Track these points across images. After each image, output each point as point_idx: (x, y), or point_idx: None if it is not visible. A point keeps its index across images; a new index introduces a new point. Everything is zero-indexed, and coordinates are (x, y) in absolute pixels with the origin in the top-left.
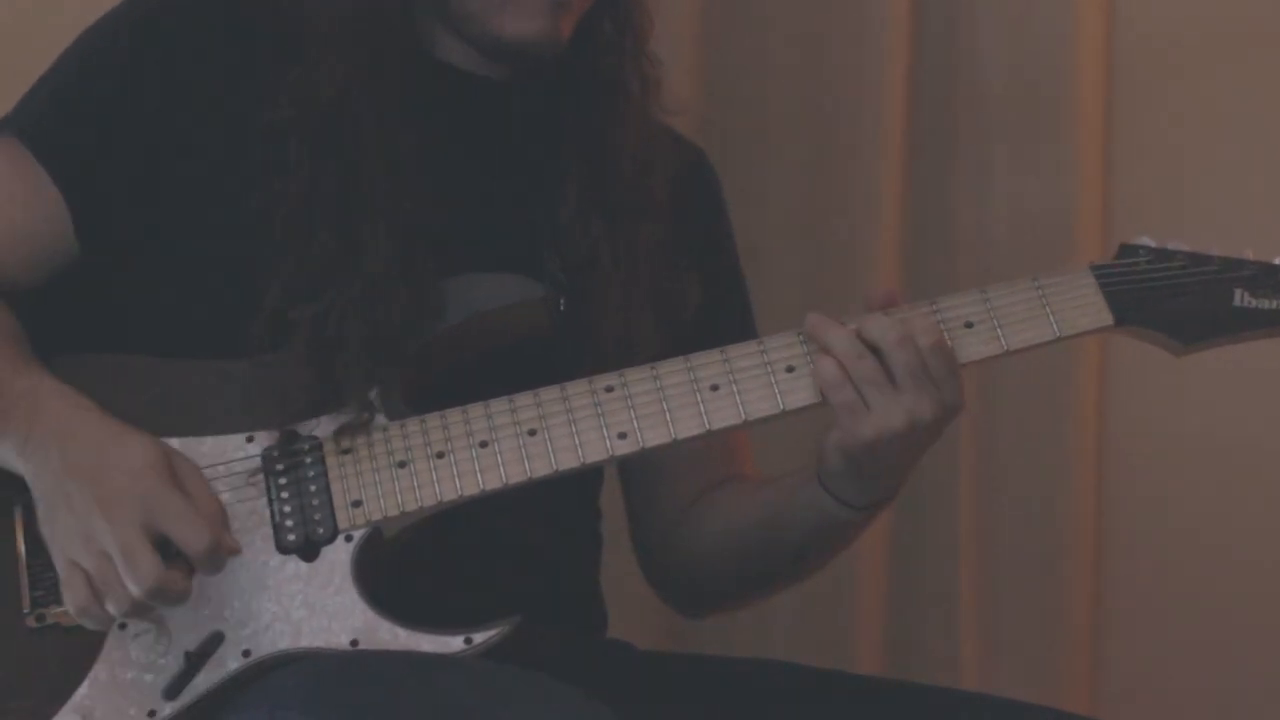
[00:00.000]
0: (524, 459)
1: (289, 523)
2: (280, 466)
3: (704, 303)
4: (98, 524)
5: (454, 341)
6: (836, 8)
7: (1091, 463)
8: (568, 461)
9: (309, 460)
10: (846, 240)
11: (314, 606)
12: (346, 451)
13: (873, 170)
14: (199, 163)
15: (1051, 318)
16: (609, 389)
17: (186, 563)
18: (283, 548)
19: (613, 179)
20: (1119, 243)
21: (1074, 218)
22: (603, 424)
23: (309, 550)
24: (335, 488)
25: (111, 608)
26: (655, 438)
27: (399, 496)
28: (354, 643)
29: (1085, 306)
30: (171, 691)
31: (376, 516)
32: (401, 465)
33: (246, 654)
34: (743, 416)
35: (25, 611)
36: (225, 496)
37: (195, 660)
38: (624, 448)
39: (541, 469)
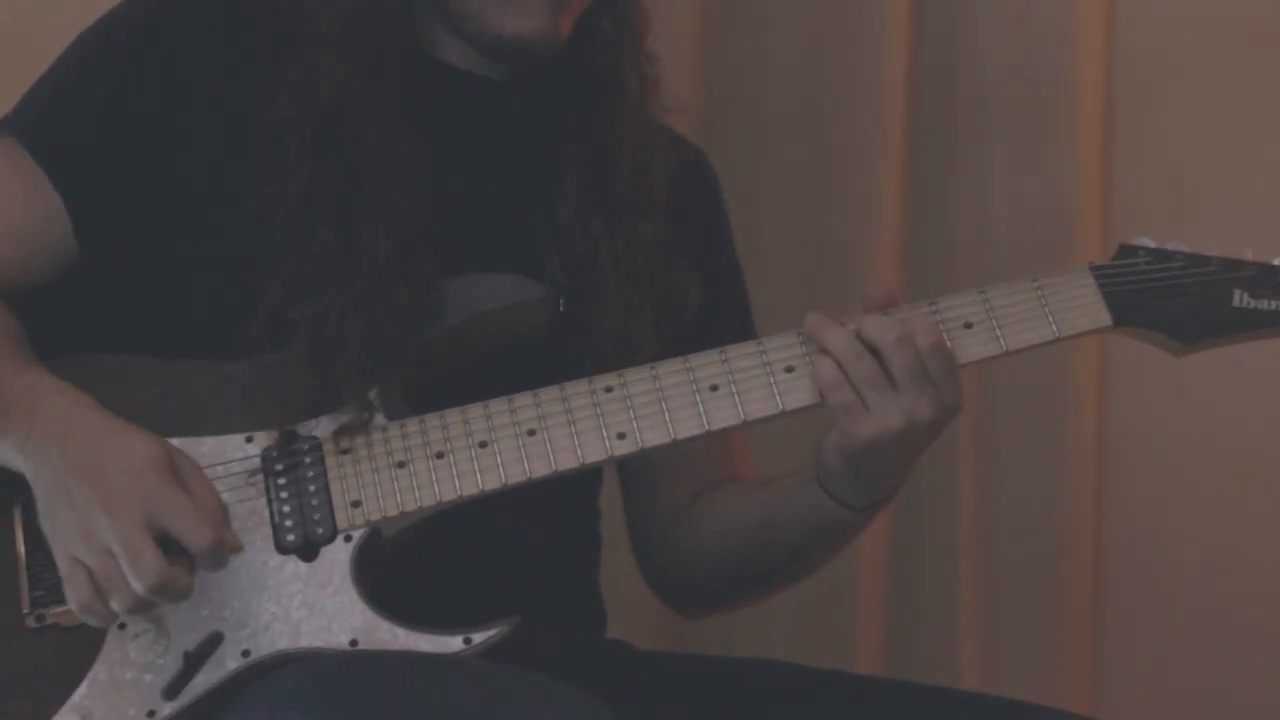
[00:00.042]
0: (523, 459)
1: (288, 523)
2: (279, 467)
3: (703, 303)
4: (99, 521)
5: (453, 342)
6: (836, 8)
7: (1091, 463)
8: (567, 462)
9: (308, 460)
10: (846, 240)
11: (313, 606)
12: (346, 452)
13: (873, 170)
14: (199, 162)
15: (1050, 318)
16: (608, 389)
17: (188, 559)
18: (282, 548)
19: (612, 178)
20: (1118, 243)
21: (1074, 218)
22: (602, 424)
23: (308, 550)
24: (335, 488)
25: (115, 604)
26: (654, 438)
27: (398, 497)
28: (353, 643)
29: (1084, 307)
30: (171, 691)
31: (376, 517)
32: (401, 465)
33: (246, 654)
34: (742, 417)
35: (25, 612)
36: (225, 497)
37: (194, 660)
38: (623, 448)
39: (541, 469)
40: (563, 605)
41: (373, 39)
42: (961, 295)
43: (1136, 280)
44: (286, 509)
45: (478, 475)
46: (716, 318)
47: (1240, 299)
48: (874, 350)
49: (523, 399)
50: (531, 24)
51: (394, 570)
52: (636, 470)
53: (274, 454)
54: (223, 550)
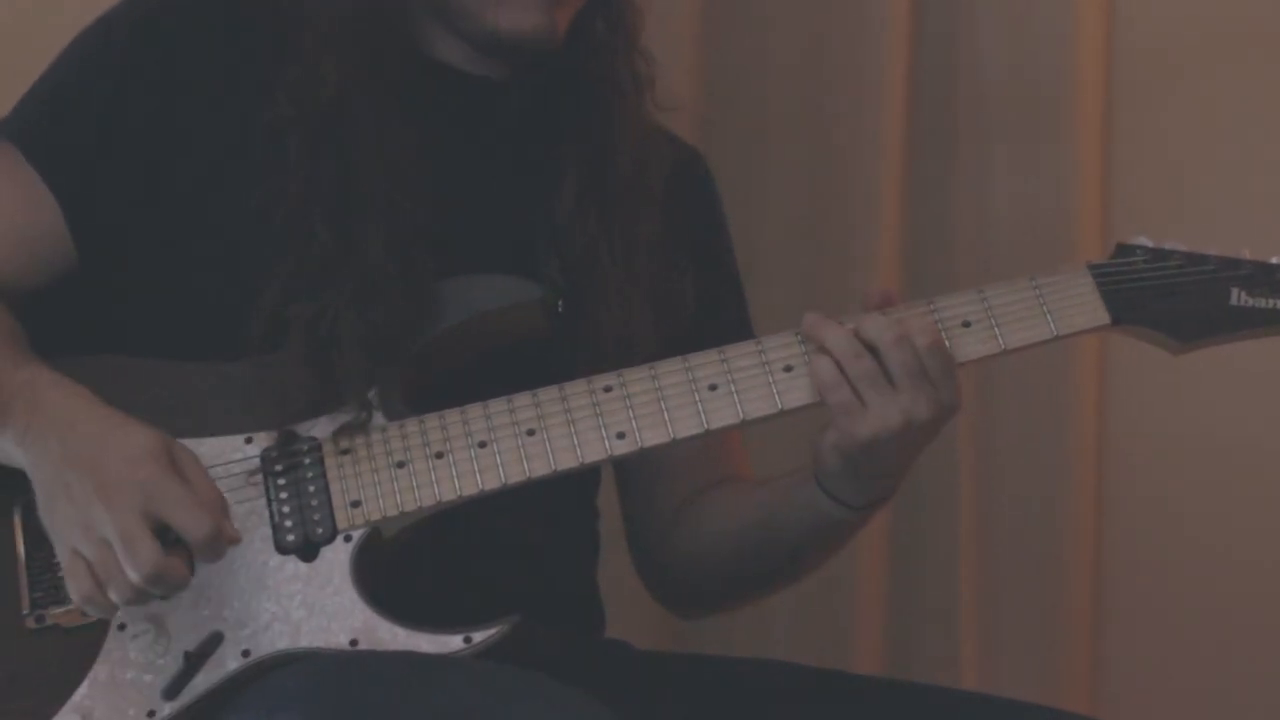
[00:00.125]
0: (522, 459)
1: (288, 523)
2: (279, 467)
3: (701, 302)
4: (97, 512)
5: (452, 342)
6: (836, 8)
7: (1091, 462)
8: (566, 461)
9: (308, 461)
10: (846, 240)
11: (313, 606)
12: (345, 452)
13: (873, 170)
14: (198, 162)
15: (1049, 317)
16: (607, 389)
17: (186, 551)
18: (282, 548)
19: (610, 177)
20: (1116, 242)
21: (1074, 218)
22: (601, 424)
23: (308, 550)
24: (334, 488)
25: (113, 595)
26: (654, 437)
27: (398, 497)
28: (353, 642)
29: (1082, 306)
30: (171, 692)
31: (375, 517)
32: (400, 465)
33: (246, 654)
34: (741, 416)
35: (25, 613)
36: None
37: (194, 660)
38: (622, 447)
39: (540, 469)
40: (562, 605)
41: (371, 39)
42: (960, 294)
43: (1134, 279)
44: (286, 509)
45: (477, 475)
46: (714, 317)
47: (1238, 297)
48: (872, 349)
49: (522, 399)
50: (529, 20)
51: (394, 570)
52: (634, 471)
53: (273, 454)
54: (220, 541)
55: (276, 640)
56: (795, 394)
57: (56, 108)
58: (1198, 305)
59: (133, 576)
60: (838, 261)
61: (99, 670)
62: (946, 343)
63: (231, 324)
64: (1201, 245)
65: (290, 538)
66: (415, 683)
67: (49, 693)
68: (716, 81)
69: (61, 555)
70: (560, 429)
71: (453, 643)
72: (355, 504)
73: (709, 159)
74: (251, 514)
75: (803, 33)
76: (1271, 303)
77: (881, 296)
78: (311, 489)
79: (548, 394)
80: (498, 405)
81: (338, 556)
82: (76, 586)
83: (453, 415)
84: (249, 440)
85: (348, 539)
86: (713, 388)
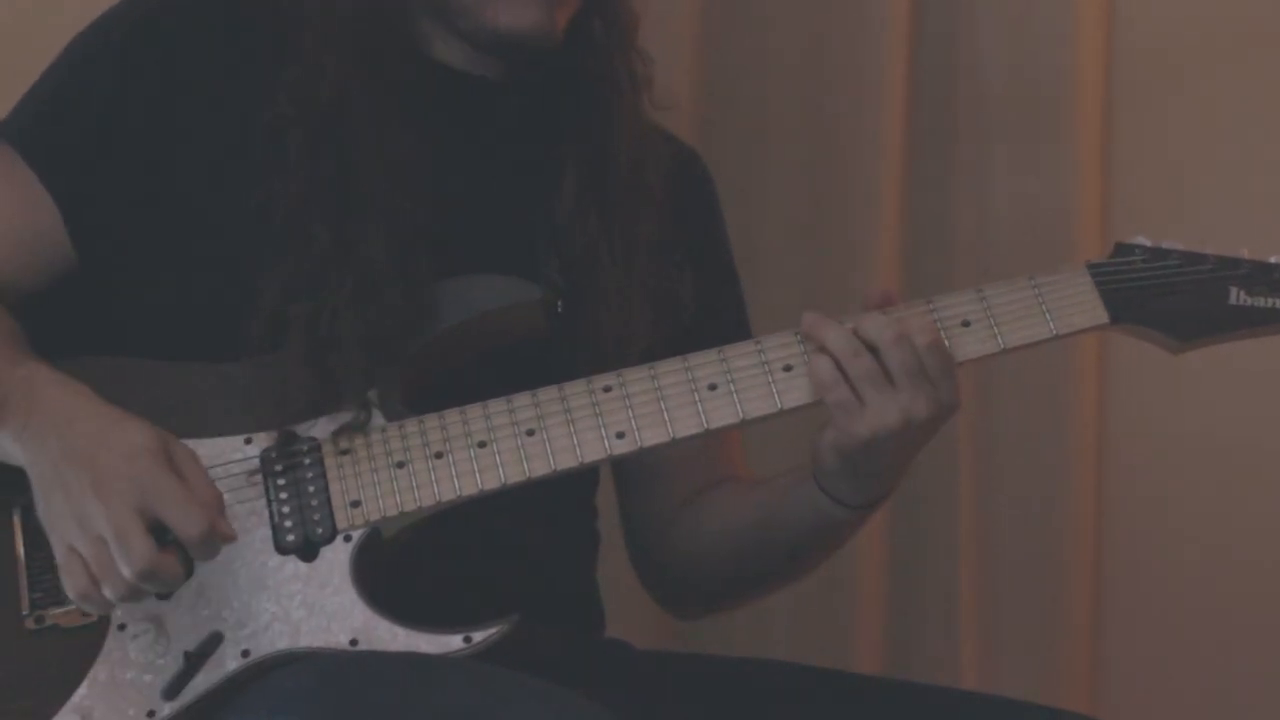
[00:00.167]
0: (522, 459)
1: (288, 523)
2: (279, 467)
3: (699, 302)
4: (92, 507)
5: (452, 342)
6: (836, 8)
7: (1091, 462)
8: (566, 461)
9: (307, 461)
10: (846, 240)
11: (313, 606)
12: (345, 452)
13: (873, 170)
14: (198, 162)
15: (1048, 316)
16: (607, 389)
17: (182, 548)
18: (281, 548)
19: (611, 177)
20: (1115, 242)
21: (1074, 218)
22: (601, 424)
23: (308, 550)
24: (334, 488)
25: (107, 591)
26: (653, 437)
27: (398, 497)
28: (353, 642)
29: (1081, 305)
30: (171, 692)
31: (375, 517)
32: (400, 466)
33: (245, 654)
34: (740, 416)
35: (24, 613)
36: (224, 498)
37: (194, 660)
38: (622, 447)
39: (540, 469)
40: (561, 604)
41: (370, 39)
42: (959, 294)
43: (1133, 278)
44: (286, 509)
45: (477, 475)
46: (713, 317)
47: (1236, 296)
48: (872, 348)
49: (521, 399)
50: (527, 18)
51: (393, 570)
52: (632, 470)
53: (273, 455)
54: (215, 538)
55: (276, 640)
56: (795, 393)
57: (55, 108)
58: (1196, 304)
59: (126, 572)
60: (838, 261)
61: (99, 670)
62: (946, 342)
63: (231, 324)
64: (1200, 245)
65: (290, 538)
66: (415, 683)
67: (49, 693)
68: (716, 81)
69: (58, 552)
70: (560, 429)
71: (452, 642)
72: (355, 504)
73: (709, 159)
74: (251, 514)
75: (803, 33)
76: (1270, 301)
77: (881, 296)
78: (311, 489)
79: (547, 394)
80: (497, 405)
81: (337, 556)
82: (72, 583)
83: (452, 415)
84: (249, 440)
85: (347, 539)
86: (712, 387)
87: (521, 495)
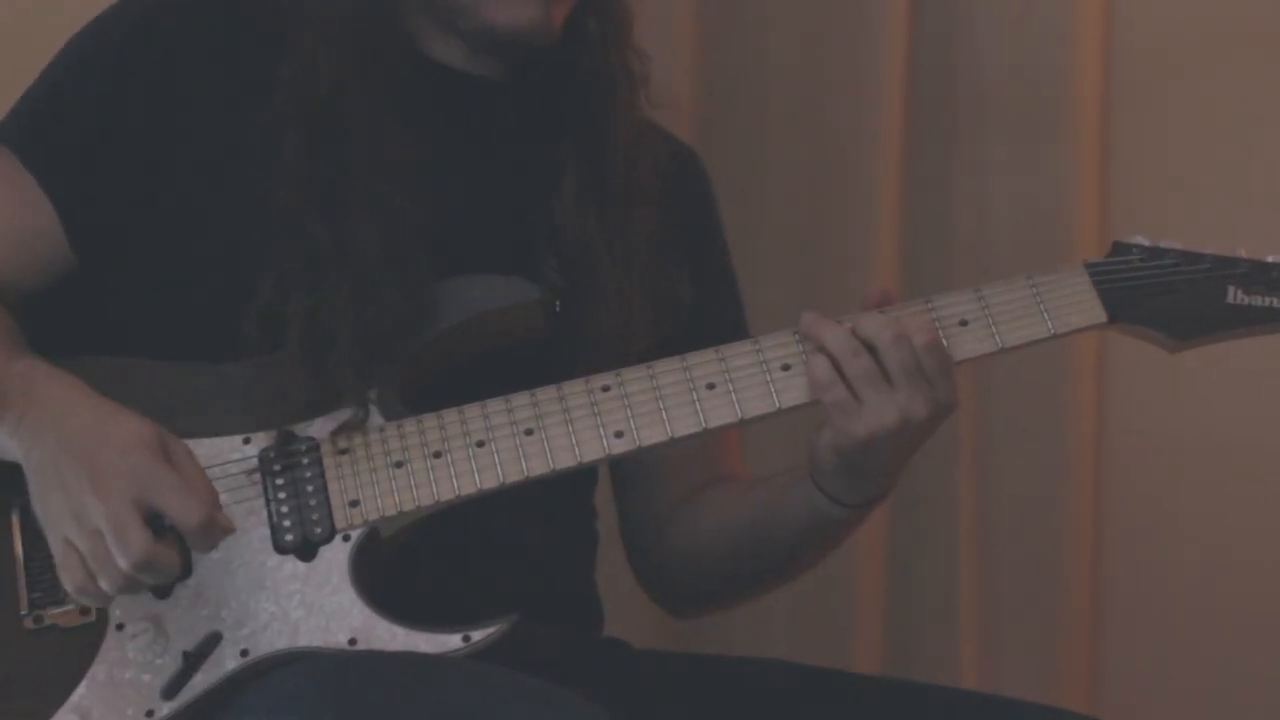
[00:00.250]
0: (521, 459)
1: (286, 523)
2: (277, 467)
3: (697, 301)
4: (89, 500)
5: (450, 342)
6: (836, 8)
7: (1090, 461)
8: (565, 461)
9: (306, 461)
10: (845, 240)
11: (312, 606)
12: (344, 452)
13: (872, 170)
14: (197, 162)
15: (1046, 315)
16: (605, 388)
17: (179, 540)
18: (280, 548)
19: (610, 175)
20: (1113, 241)
21: (1073, 217)
22: (599, 423)
23: (307, 550)
24: (332, 488)
25: (104, 584)
26: (652, 436)
27: (396, 496)
28: (352, 642)
29: (1079, 304)
30: (169, 691)
31: (374, 516)
32: (399, 465)
33: (244, 654)
34: (739, 415)
35: (23, 613)
36: (223, 498)
37: (193, 660)
38: (621, 446)
39: (538, 468)
40: (560, 604)
41: (367, 37)
42: (957, 293)
43: (1131, 277)
44: (284, 509)
45: (475, 475)
46: (710, 316)
47: (1234, 295)
48: (870, 348)
49: (520, 399)
50: (525, 15)
51: (392, 570)
52: (630, 470)
53: (271, 454)
54: (213, 528)
55: (275, 640)
56: (793, 393)
57: (53, 109)
58: (1194, 303)
59: (122, 564)
60: (837, 261)
61: (97, 670)
62: (944, 341)
63: (231, 324)
64: (1199, 245)
65: (289, 537)
66: (414, 682)
67: (48, 693)
68: (716, 81)
69: (54, 546)
70: (558, 428)
71: (451, 642)
72: (354, 504)
73: (709, 159)
74: (250, 514)
75: (803, 33)
76: (1268, 300)
77: (880, 295)
78: (310, 489)
79: (546, 394)
80: (496, 405)
81: (336, 556)
82: (69, 577)
83: (451, 415)
84: (247, 440)
85: (346, 538)
86: (710, 387)
87: (520, 495)
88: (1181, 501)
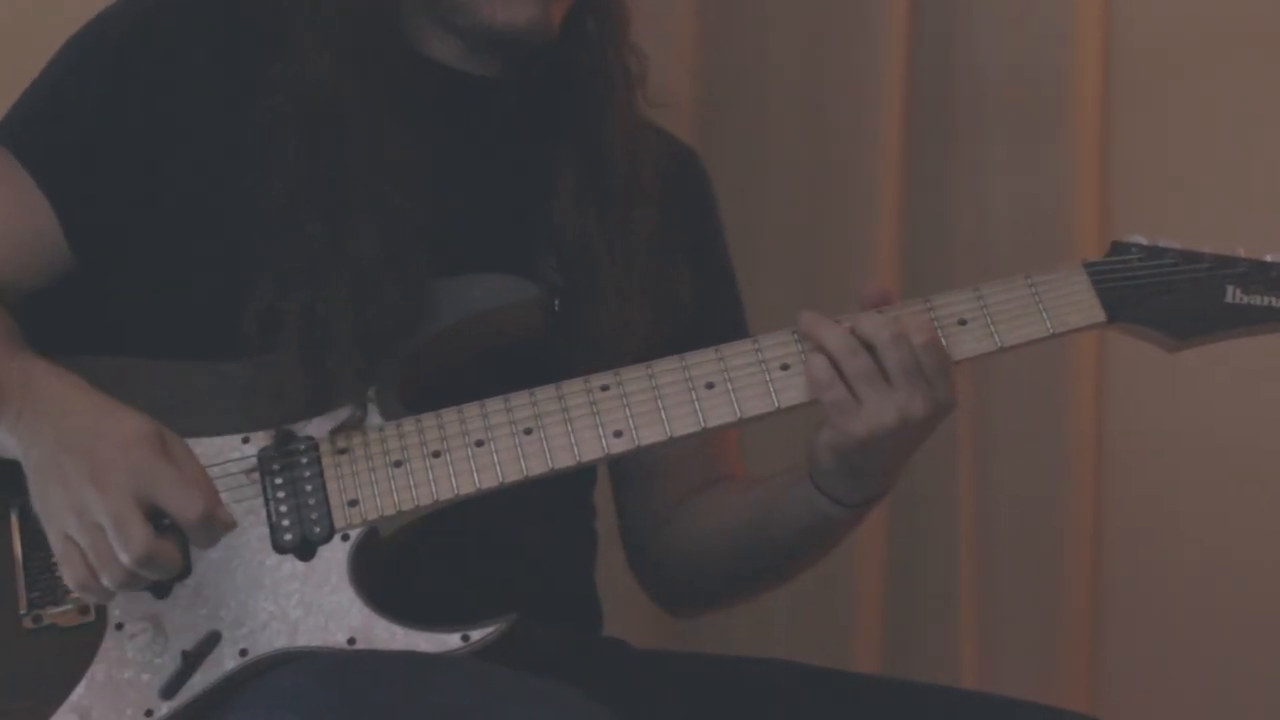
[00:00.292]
0: (520, 458)
1: (285, 522)
2: (276, 466)
3: (697, 300)
4: (89, 495)
5: (449, 342)
6: (836, 8)
7: (1090, 461)
8: (563, 460)
9: (305, 460)
10: (845, 240)
11: (311, 606)
12: (342, 451)
13: (872, 170)
14: (197, 162)
15: (1044, 315)
16: (604, 388)
17: (179, 535)
18: (279, 547)
19: (608, 173)
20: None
21: (1073, 217)
22: (598, 422)
23: (305, 550)
24: (331, 487)
25: (105, 580)
26: (651, 436)
27: (395, 496)
28: (351, 641)
29: (1078, 303)
30: (169, 691)
31: (373, 516)
32: (398, 465)
33: (243, 653)
34: (738, 415)
35: (22, 613)
36: (222, 497)
37: (192, 659)
38: (620, 446)
39: (538, 468)
40: (559, 603)
41: (364, 36)
42: (956, 293)
43: (1129, 277)
44: (283, 509)
45: (474, 474)
46: (710, 315)
47: (1233, 295)
48: (869, 347)
49: (519, 398)
50: (523, 14)
51: (391, 569)
52: (629, 469)
53: (270, 454)
54: (214, 523)
55: (274, 639)
56: (792, 392)
57: (52, 109)
58: (1193, 303)
59: (124, 558)
60: (837, 261)
61: (97, 670)
62: (943, 341)
63: (230, 324)
64: (1199, 244)
65: (287, 537)
66: (413, 682)
67: (47, 692)
68: (716, 81)
69: (54, 541)
70: (557, 428)
71: (450, 641)
72: (352, 503)
73: (709, 159)
74: (249, 513)
75: (802, 33)
76: (1266, 300)
77: (879, 295)
78: (309, 488)
79: (545, 393)
80: (495, 404)
81: (335, 555)
82: (71, 572)
83: (450, 415)
84: (246, 440)
85: (345, 538)
86: (710, 386)
87: (519, 494)
88: (1181, 501)
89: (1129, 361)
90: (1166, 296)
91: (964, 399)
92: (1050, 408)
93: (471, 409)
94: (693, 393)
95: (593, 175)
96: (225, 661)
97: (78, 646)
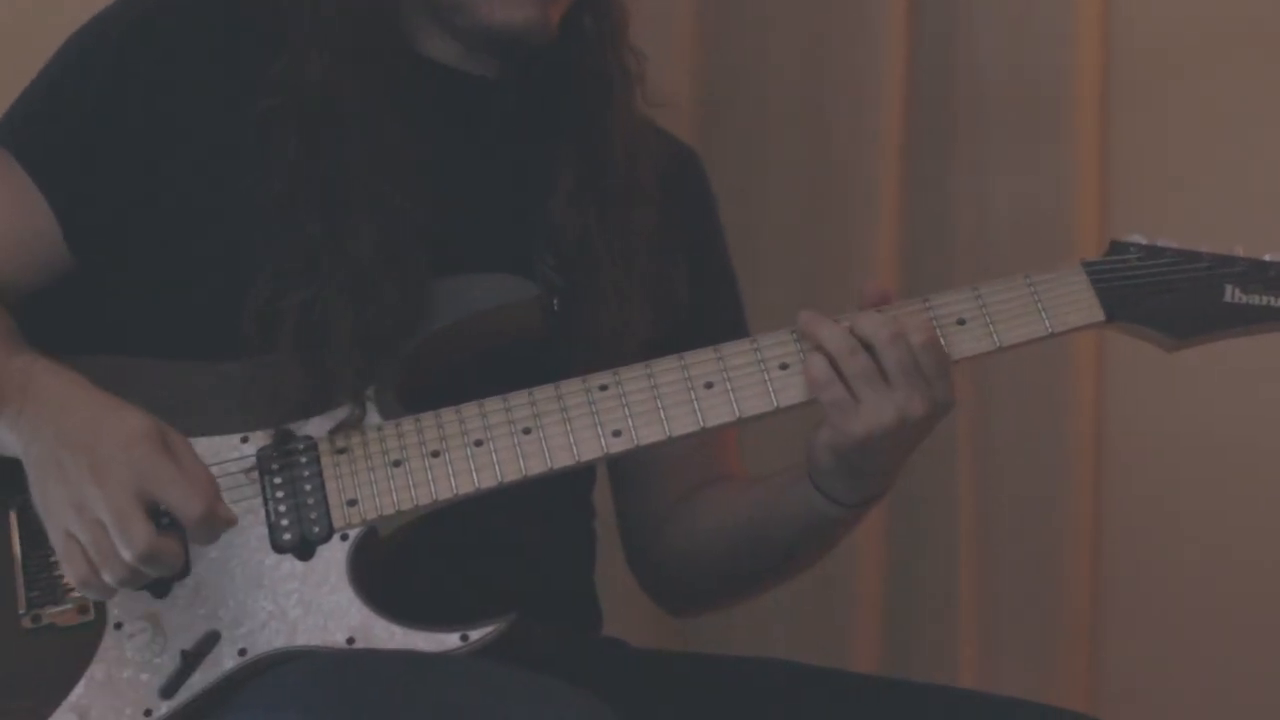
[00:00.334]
0: (519, 457)
1: (284, 522)
2: (275, 466)
3: (696, 300)
4: (90, 491)
5: (448, 342)
6: (836, 8)
7: (1089, 461)
8: (562, 460)
9: (304, 460)
10: (845, 240)
11: (310, 605)
12: (341, 451)
13: (871, 170)
14: (196, 162)
15: (1043, 314)
16: (603, 387)
17: (180, 532)
18: (278, 547)
19: (607, 173)
20: (1110, 239)
21: (1072, 217)
22: (597, 422)
23: (305, 549)
24: (330, 487)
25: (107, 576)
26: (650, 435)
27: (394, 495)
28: (350, 641)
29: (1077, 303)
30: (168, 690)
31: (372, 515)
32: (397, 464)
33: (242, 653)
34: (737, 414)
35: (21, 613)
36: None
37: (191, 659)
38: (619, 445)
39: (536, 467)
40: (559, 603)
41: (362, 36)
42: (955, 292)
43: (1128, 276)
44: (282, 508)
45: (473, 474)
46: (709, 315)
47: (1232, 294)
48: (868, 346)
49: (518, 398)
50: (521, 13)
51: (390, 569)
52: (628, 469)
53: (269, 453)
54: (215, 520)
55: (273, 639)
56: (791, 392)
57: (51, 109)
58: (1192, 302)
59: (125, 555)
60: (837, 261)
61: (96, 669)
62: (942, 340)
63: (229, 323)
64: (1198, 244)
65: (287, 536)
66: (413, 681)
67: (46, 692)
68: (716, 81)
69: (55, 538)
70: (556, 427)
71: (449, 641)
72: (351, 503)
73: (708, 159)
74: (248, 513)
75: (802, 33)
76: (1265, 299)
77: (878, 294)
78: (308, 488)
79: (544, 393)
80: (494, 404)
81: (334, 555)
82: (72, 569)
83: (449, 414)
84: (245, 439)
85: (344, 538)
86: (709, 386)
87: (518, 494)
88: (1181, 501)
89: (1129, 361)
90: (1165, 296)
91: (964, 399)
92: (1050, 408)
93: (470, 409)
94: (692, 392)
95: (592, 175)
96: (224, 661)
97: (77, 646)
